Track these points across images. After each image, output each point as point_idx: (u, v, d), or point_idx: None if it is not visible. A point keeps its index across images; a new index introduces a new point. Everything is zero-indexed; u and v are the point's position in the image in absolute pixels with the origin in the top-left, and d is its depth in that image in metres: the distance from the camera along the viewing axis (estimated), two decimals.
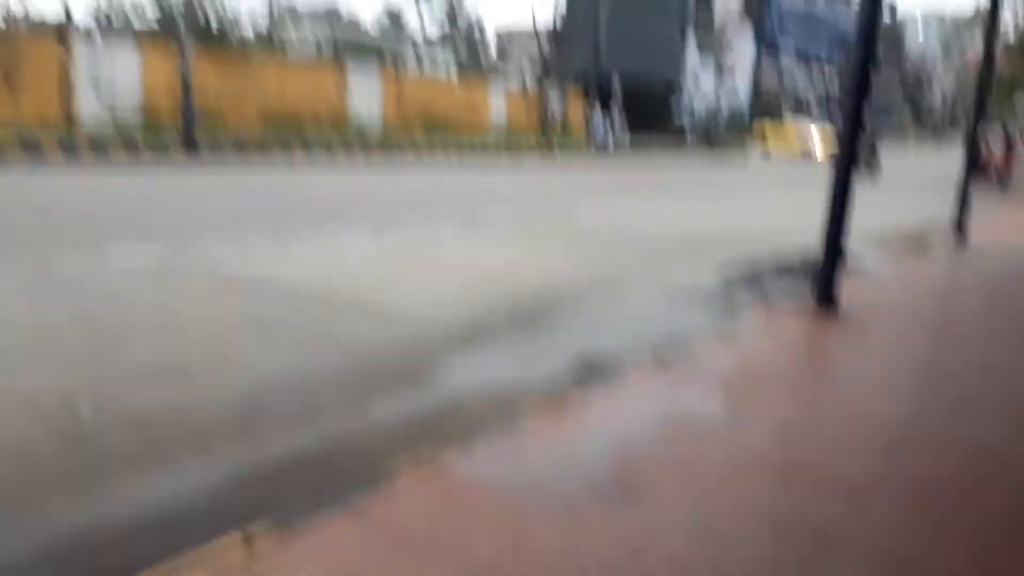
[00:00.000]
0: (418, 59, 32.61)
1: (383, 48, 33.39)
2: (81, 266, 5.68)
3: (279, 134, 18.75)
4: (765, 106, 49.86)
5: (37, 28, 18.21)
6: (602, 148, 25.61)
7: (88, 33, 17.90)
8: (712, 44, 39.55)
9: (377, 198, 11.41)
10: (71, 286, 5.15)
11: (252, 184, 12.11)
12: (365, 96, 22.38)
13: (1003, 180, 20.27)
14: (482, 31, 67.59)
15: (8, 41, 15.47)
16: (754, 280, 7.04)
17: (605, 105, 27.83)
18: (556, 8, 31.07)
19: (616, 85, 33.58)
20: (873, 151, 20.30)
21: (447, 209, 10.45)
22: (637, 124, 33.51)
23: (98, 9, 18.90)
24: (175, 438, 3.02)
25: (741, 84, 46.00)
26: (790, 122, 26.19)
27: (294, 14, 47.78)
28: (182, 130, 15.05)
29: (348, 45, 28.93)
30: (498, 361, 4.24)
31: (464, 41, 58.23)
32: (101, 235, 6.95)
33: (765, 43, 47.90)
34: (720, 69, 33.55)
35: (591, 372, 4.01)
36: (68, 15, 15.39)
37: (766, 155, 15.61)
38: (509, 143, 24.36)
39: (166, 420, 3.17)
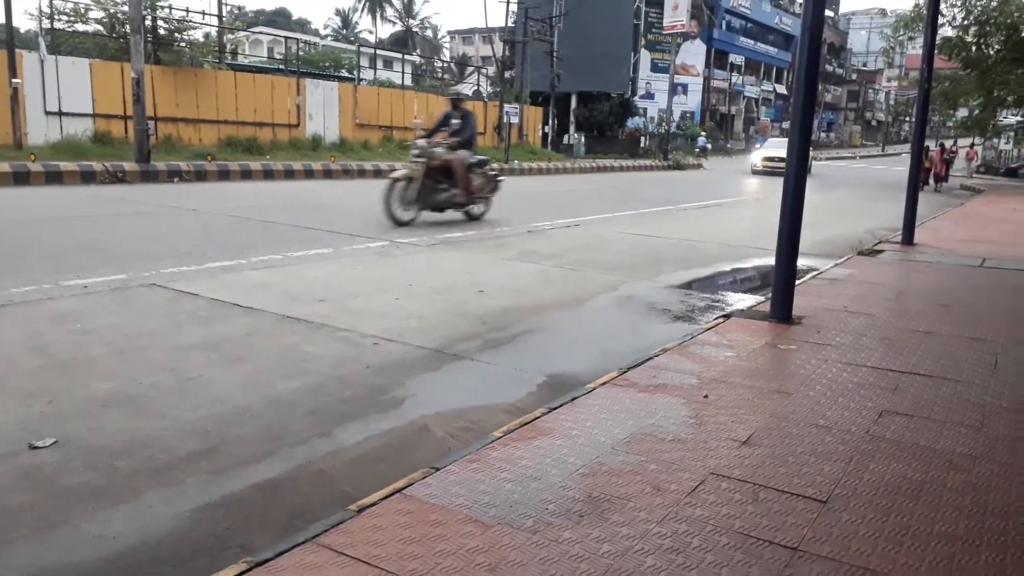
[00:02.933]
0: (372, 66, 32.42)
1: (339, 56, 33.21)
2: (37, 292, 5.51)
3: (234, 147, 18.47)
4: (715, 111, 50.90)
5: None
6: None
7: (34, 47, 17.39)
8: (664, 52, 40.31)
9: (340, 210, 11.30)
10: (28, 312, 5.00)
11: (206, 202, 11.90)
12: (322, 108, 22.24)
13: (939, 184, 24.97)
14: (435, 33, 67.38)
15: None
16: (713, 290, 7.15)
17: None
18: (510, 25, 31.46)
19: (573, 102, 34.16)
20: (470, 169, 10.47)
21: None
22: (594, 135, 34.08)
23: (43, 20, 18.35)
24: (138, 471, 2.94)
25: (693, 89, 46.92)
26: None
27: (244, 17, 47.09)
28: (135, 146, 14.72)
29: (303, 57, 28.64)
30: (467, 380, 4.23)
31: (418, 44, 57.97)
32: (61, 262, 6.75)
33: (715, 50, 49.06)
34: (672, 79, 34.17)
35: (557, 389, 4.02)
36: (10, 28, 14.86)
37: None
38: None
39: (128, 452, 3.09)
